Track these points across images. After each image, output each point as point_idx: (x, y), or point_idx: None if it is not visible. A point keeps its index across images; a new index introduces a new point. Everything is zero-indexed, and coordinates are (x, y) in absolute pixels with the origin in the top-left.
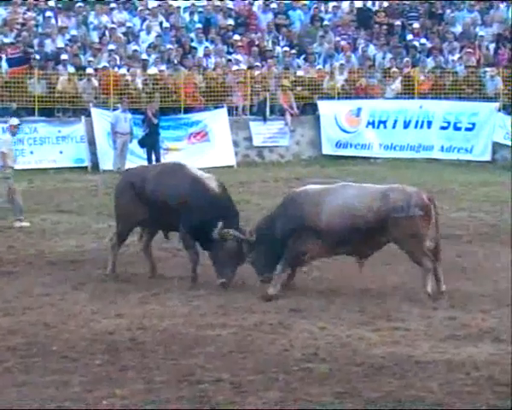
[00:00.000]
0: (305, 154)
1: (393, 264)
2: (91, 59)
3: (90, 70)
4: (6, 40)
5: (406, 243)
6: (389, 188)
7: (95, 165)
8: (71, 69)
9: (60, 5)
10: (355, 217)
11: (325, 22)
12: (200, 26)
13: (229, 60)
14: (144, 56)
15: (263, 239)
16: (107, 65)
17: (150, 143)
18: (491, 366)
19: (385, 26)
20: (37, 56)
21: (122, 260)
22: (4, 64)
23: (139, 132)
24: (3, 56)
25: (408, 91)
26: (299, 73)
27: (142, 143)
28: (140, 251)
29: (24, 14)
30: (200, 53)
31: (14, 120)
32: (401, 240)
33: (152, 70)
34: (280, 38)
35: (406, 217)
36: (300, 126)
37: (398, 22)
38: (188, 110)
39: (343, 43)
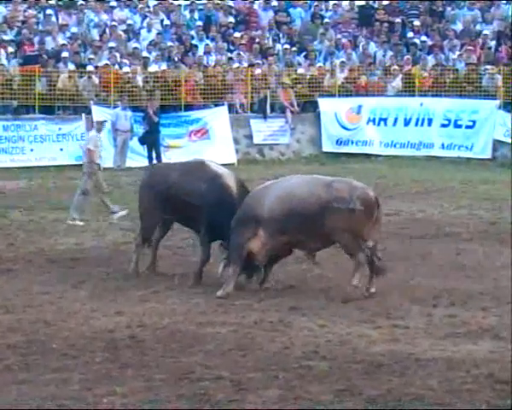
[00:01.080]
0: (306, 151)
1: (393, 262)
2: (92, 56)
3: (90, 68)
4: (6, 38)
5: (342, 236)
6: (336, 179)
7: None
8: (71, 67)
9: (60, 3)
10: (294, 202)
11: (326, 20)
12: (200, 23)
13: (230, 57)
14: (145, 54)
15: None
16: (108, 62)
17: (151, 140)
18: (491, 363)
19: (385, 24)
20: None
21: (122, 258)
22: (5, 61)
23: (139, 130)
24: (3, 52)
25: (408, 89)
26: (300, 70)
27: (142, 141)
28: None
29: (24, 11)
30: (201, 51)
31: (100, 117)
32: (337, 231)
33: (152, 68)
34: (280, 35)
35: (346, 209)
36: (301, 124)
37: (398, 20)
38: (188, 108)
39: (344, 40)
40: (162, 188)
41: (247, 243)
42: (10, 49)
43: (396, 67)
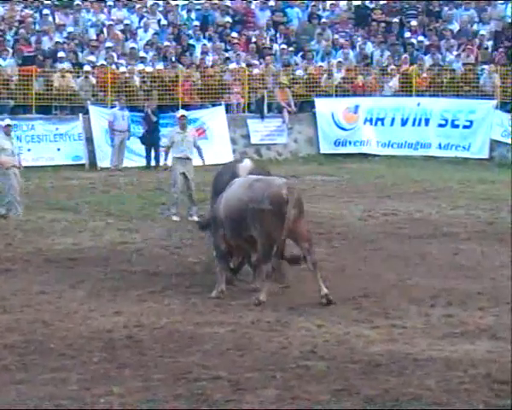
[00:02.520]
0: (303, 151)
1: (391, 262)
2: (89, 56)
3: (87, 67)
4: (7, 37)
5: (258, 236)
6: (259, 179)
7: (92, 162)
8: (68, 65)
9: (57, 2)
10: (230, 207)
11: (323, 20)
12: (197, 23)
13: (228, 57)
14: (142, 54)
15: None
16: (105, 62)
17: (150, 140)
18: (489, 363)
19: (383, 24)
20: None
21: (119, 258)
22: (1, 60)
23: (137, 130)
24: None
25: (406, 89)
26: (299, 72)
27: (143, 141)
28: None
29: (21, 11)
30: (198, 50)
31: (181, 112)
32: (256, 233)
33: (149, 68)
34: (277, 35)
35: (257, 209)
36: (298, 124)
37: (395, 20)
38: (185, 108)
39: (341, 40)
40: (215, 185)
41: (222, 242)
42: (8, 49)
43: (393, 67)
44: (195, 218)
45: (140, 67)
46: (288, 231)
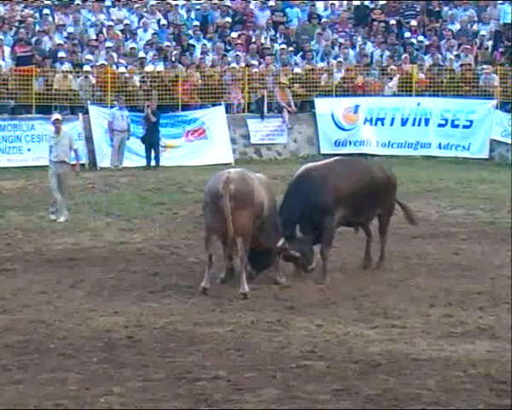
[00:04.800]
0: (303, 151)
1: (390, 261)
2: (89, 56)
3: (87, 67)
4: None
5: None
6: (218, 173)
7: (92, 162)
8: (67, 66)
9: (57, 2)
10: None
11: (323, 19)
12: (197, 23)
13: (226, 57)
14: (142, 54)
15: None
16: (105, 62)
17: (149, 140)
18: (489, 363)
19: (382, 24)
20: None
21: (119, 257)
22: (1, 61)
23: (136, 130)
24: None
25: (405, 89)
26: (297, 70)
27: (143, 141)
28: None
29: (21, 11)
30: (198, 50)
31: (55, 116)
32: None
33: (149, 67)
34: (277, 35)
35: (204, 202)
36: (298, 124)
37: (393, 21)
38: (185, 107)
39: (341, 40)
40: None
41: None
42: (7, 49)
43: (393, 67)
44: (62, 218)
45: (139, 66)
46: (228, 224)
